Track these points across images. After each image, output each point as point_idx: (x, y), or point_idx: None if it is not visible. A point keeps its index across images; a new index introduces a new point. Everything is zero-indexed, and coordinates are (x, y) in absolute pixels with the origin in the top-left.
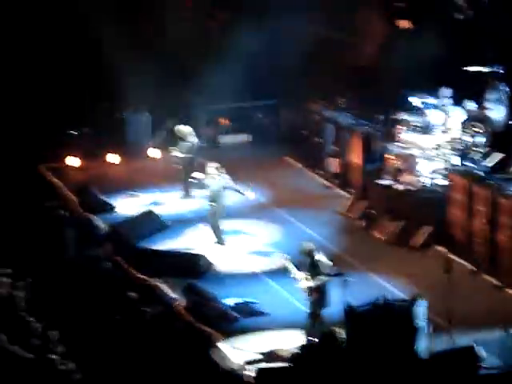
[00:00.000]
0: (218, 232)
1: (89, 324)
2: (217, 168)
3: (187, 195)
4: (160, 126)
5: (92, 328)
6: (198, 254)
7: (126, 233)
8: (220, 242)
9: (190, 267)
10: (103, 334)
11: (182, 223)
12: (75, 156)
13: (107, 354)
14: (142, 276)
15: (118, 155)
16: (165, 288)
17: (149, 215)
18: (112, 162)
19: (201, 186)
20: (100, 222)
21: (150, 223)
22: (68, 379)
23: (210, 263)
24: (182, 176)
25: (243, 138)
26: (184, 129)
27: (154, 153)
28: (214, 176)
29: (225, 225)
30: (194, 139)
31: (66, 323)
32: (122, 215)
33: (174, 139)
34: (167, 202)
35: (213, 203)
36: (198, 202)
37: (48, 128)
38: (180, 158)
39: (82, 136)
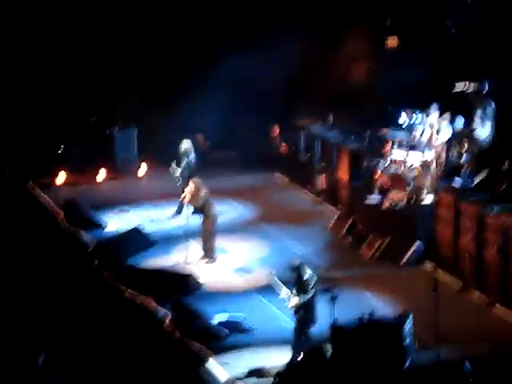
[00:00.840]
0: (210, 248)
1: (80, 341)
2: (198, 184)
3: (182, 211)
4: (147, 142)
5: (82, 345)
6: (186, 272)
7: (114, 249)
8: (211, 258)
9: (179, 285)
10: (93, 350)
11: (171, 240)
12: (65, 172)
13: (97, 372)
14: (130, 293)
15: (107, 171)
16: (154, 305)
17: (137, 232)
18: (101, 178)
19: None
20: (88, 238)
21: (139, 240)
22: None
23: (199, 281)
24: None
25: (232, 154)
26: (189, 145)
27: (143, 169)
28: (198, 192)
29: (215, 241)
30: (193, 155)
31: (57, 343)
32: (110, 231)
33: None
34: (158, 219)
35: (205, 218)
36: (190, 218)
37: (38, 145)
38: (181, 175)
39: (72, 152)
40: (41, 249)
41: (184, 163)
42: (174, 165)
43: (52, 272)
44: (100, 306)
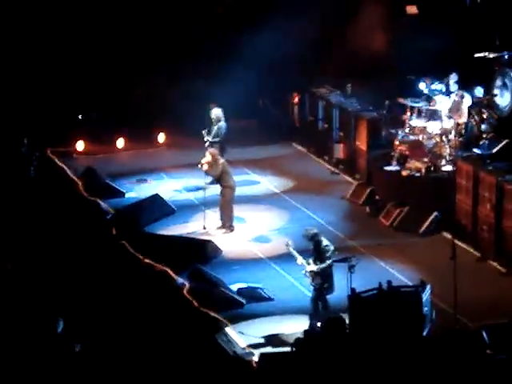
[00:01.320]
0: (228, 217)
1: (97, 308)
2: (216, 153)
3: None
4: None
5: (101, 312)
6: (205, 240)
7: (132, 217)
8: (229, 227)
9: (198, 252)
10: (112, 317)
11: (189, 209)
12: (83, 141)
13: (116, 339)
14: (148, 261)
15: (126, 140)
16: (171, 273)
17: (156, 200)
18: (120, 146)
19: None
20: (106, 206)
21: (157, 208)
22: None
23: (217, 249)
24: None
25: (250, 123)
26: (219, 112)
27: (162, 138)
28: (216, 161)
29: (233, 211)
30: (223, 123)
31: (77, 310)
32: (129, 199)
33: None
34: (177, 188)
35: (223, 187)
36: (207, 187)
37: (56, 113)
38: (213, 142)
39: (90, 121)
40: (59, 217)
41: (215, 130)
42: (205, 131)
43: (71, 240)
44: (118, 274)
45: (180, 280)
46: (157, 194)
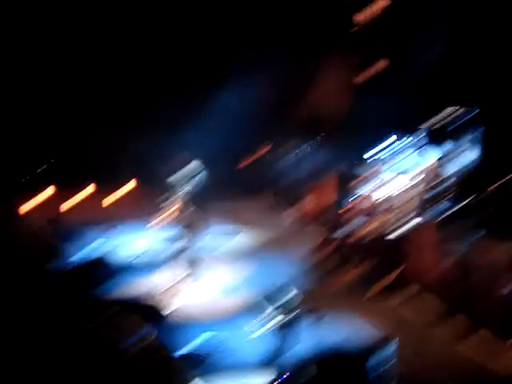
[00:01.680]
0: (195, 268)
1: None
2: (185, 203)
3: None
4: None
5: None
6: (158, 300)
7: (80, 279)
8: (196, 278)
9: (149, 314)
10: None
11: (154, 261)
12: (49, 187)
13: None
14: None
15: (92, 186)
16: (118, 337)
17: (104, 261)
18: (86, 194)
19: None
20: (65, 260)
21: (108, 268)
22: None
23: (173, 308)
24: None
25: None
26: (196, 164)
27: (128, 188)
28: (185, 211)
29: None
30: (200, 175)
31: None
32: (79, 257)
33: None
34: (133, 243)
35: (190, 237)
36: (175, 238)
37: (21, 160)
38: (188, 194)
39: (56, 167)
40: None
41: (191, 182)
42: (180, 183)
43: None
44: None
45: (129, 342)
46: (104, 256)
